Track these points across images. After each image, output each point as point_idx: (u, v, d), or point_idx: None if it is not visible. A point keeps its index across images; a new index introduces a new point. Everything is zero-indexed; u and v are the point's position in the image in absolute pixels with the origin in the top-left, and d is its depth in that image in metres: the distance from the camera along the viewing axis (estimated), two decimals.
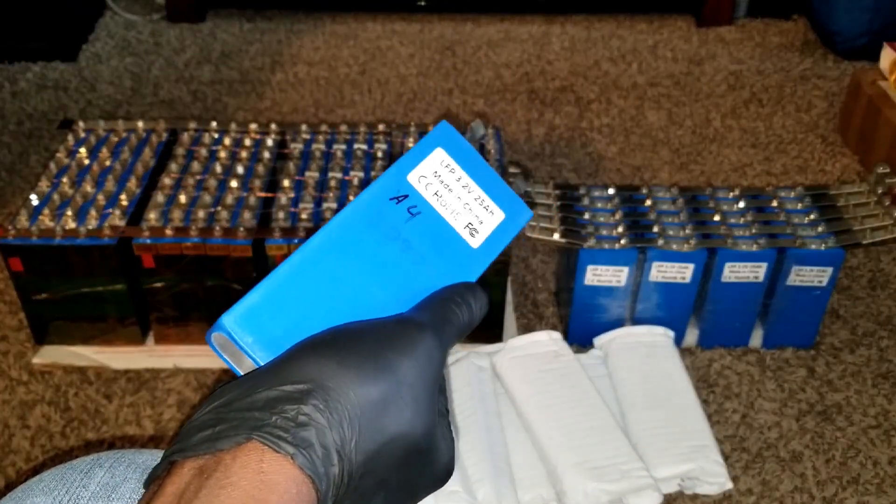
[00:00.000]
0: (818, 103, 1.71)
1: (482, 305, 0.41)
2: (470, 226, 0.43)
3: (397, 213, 0.42)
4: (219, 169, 1.15)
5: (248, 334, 0.37)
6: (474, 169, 0.44)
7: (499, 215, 0.44)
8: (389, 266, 0.41)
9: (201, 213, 1.07)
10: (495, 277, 1.08)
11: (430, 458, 0.36)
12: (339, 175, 1.15)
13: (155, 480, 0.33)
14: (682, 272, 1.07)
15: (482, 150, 1.20)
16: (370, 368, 0.34)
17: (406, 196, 0.42)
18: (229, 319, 0.37)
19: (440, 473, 0.37)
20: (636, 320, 1.12)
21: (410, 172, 0.43)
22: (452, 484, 0.91)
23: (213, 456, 0.31)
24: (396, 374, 0.34)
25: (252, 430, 0.31)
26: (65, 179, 1.12)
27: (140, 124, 1.23)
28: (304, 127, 1.23)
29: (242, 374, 0.37)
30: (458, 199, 0.43)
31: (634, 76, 1.80)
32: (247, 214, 1.07)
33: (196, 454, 0.32)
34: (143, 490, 0.32)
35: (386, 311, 0.40)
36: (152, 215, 1.07)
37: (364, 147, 1.21)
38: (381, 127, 1.24)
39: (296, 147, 1.20)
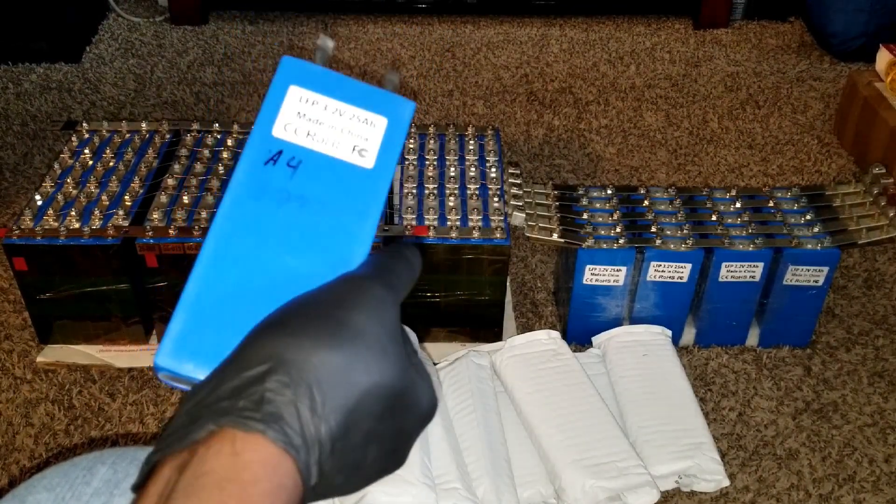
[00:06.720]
0: (814, 104, 1.72)
1: (416, 257, 0.40)
2: (356, 148, 0.40)
3: (278, 173, 0.39)
4: (221, 169, 1.16)
5: (187, 363, 0.36)
6: (337, 89, 0.41)
7: (381, 122, 0.41)
8: (294, 230, 0.39)
9: (204, 214, 1.08)
10: (494, 277, 1.09)
11: (411, 398, 0.36)
12: None
13: (141, 486, 0.33)
14: (679, 272, 1.08)
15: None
16: (325, 331, 0.34)
17: (280, 152, 0.40)
18: (163, 358, 0.36)
19: (426, 410, 0.37)
20: (634, 319, 1.13)
21: (273, 127, 0.40)
22: (452, 481, 0.92)
23: (189, 449, 0.32)
24: (354, 330, 0.34)
25: (221, 417, 0.32)
26: (69, 180, 1.13)
27: (143, 125, 1.24)
28: None
29: None
30: (333, 127, 0.40)
31: (632, 78, 1.81)
32: None
33: (173, 451, 0.32)
34: (133, 495, 0.33)
35: (312, 274, 0.38)
36: (155, 215, 1.08)
37: None
38: None
39: None
